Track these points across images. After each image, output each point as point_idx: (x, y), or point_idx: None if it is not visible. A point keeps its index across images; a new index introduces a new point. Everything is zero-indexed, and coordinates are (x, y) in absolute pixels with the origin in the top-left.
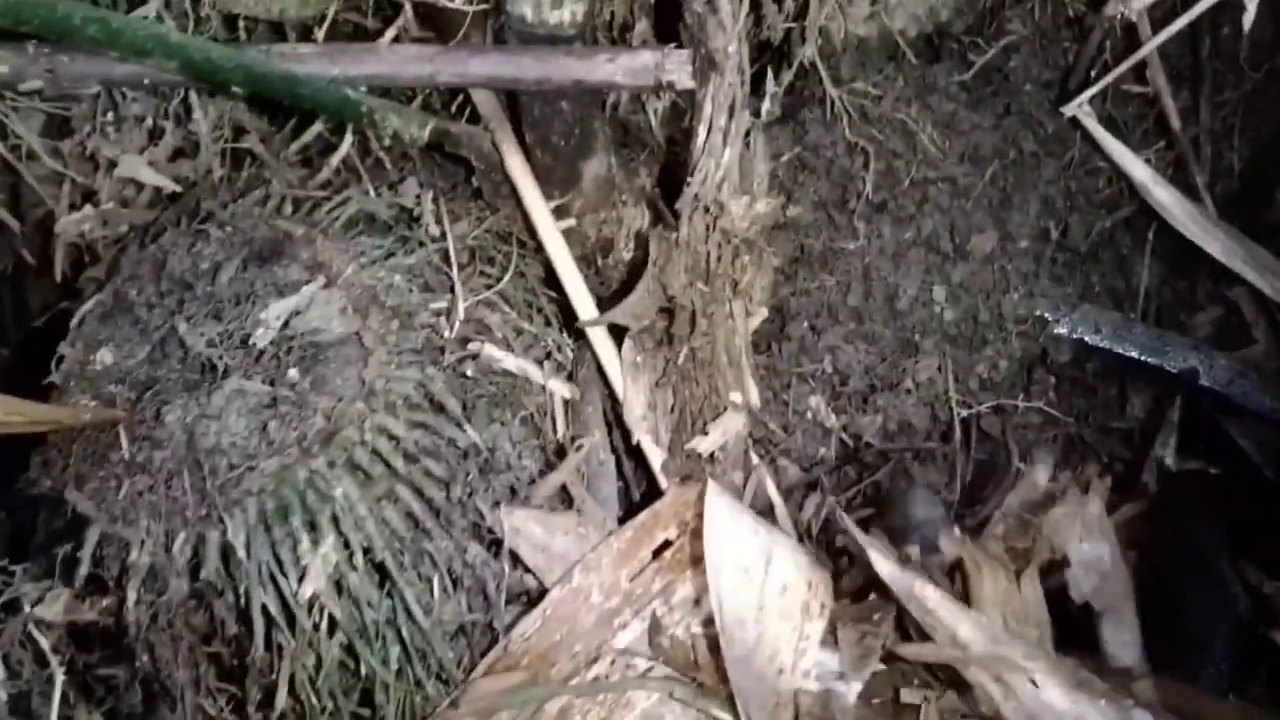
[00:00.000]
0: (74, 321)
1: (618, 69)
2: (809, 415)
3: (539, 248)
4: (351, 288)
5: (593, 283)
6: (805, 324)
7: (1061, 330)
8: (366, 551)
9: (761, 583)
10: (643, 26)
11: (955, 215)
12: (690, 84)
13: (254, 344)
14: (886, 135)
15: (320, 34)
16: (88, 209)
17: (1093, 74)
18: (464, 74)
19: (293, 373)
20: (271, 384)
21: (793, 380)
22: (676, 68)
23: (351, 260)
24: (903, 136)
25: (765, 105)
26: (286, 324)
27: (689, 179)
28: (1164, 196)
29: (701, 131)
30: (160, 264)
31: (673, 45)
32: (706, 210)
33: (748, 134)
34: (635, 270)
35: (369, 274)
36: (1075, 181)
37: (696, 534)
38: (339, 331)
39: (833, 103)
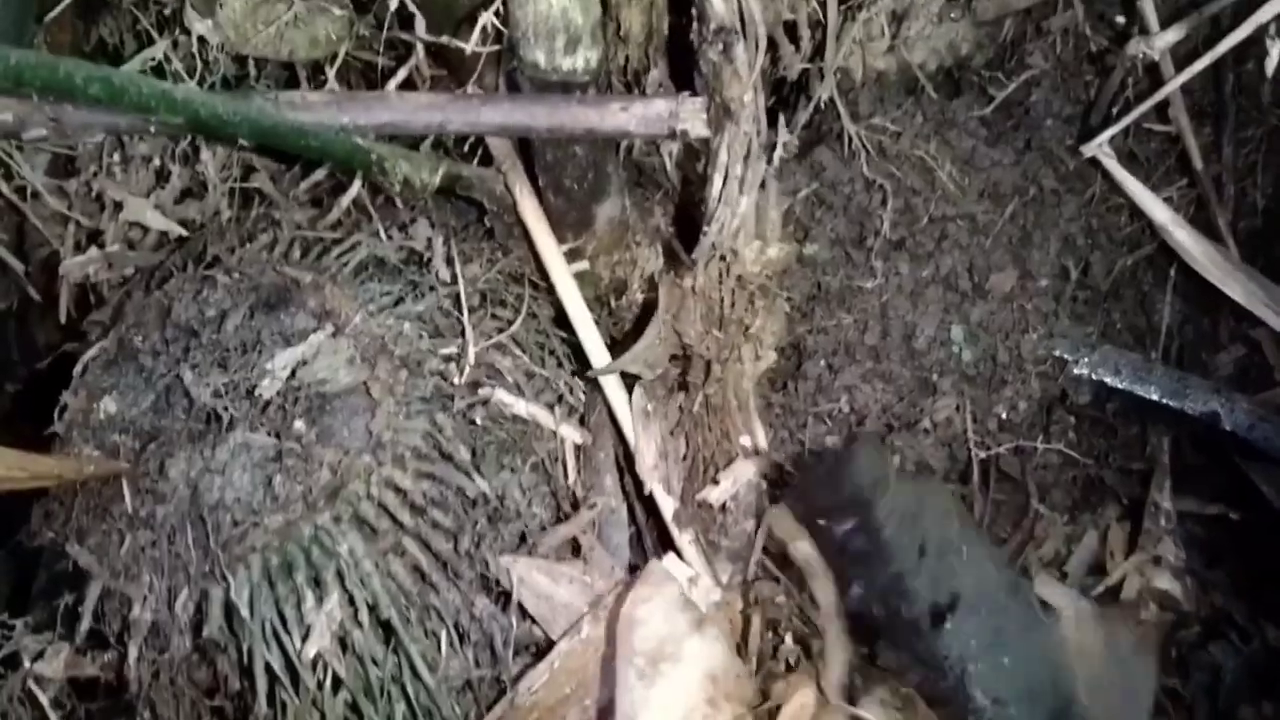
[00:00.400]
0: (77, 369)
1: (631, 118)
2: None
3: (551, 288)
4: (359, 336)
5: (606, 324)
6: (822, 362)
7: (1081, 371)
8: (372, 608)
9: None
10: (656, 74)
11: (974, 253)
12: (705, 132)
13: (260, 395)
14: (905, 172)
15: (331, 73)
16: (93, 251)
17: (1114, 110)
18: (475, 123)
19: (299, 424)
20: (277, 436)
21: (809, 420)
22: (691, 116)
23: (360, 308)
24: (921, 173)
25: (778, 151)
26: (293, 374)
27: (704, 228)
28: (1185, 238)
29: (717, 180)
30: (165, 311)
31: (687, 93)
32: (721, 258)
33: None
34: (648, 311)
35: (377, 322)
36: (1096, 218)
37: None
38: (346, 382)
39: (850, 139)
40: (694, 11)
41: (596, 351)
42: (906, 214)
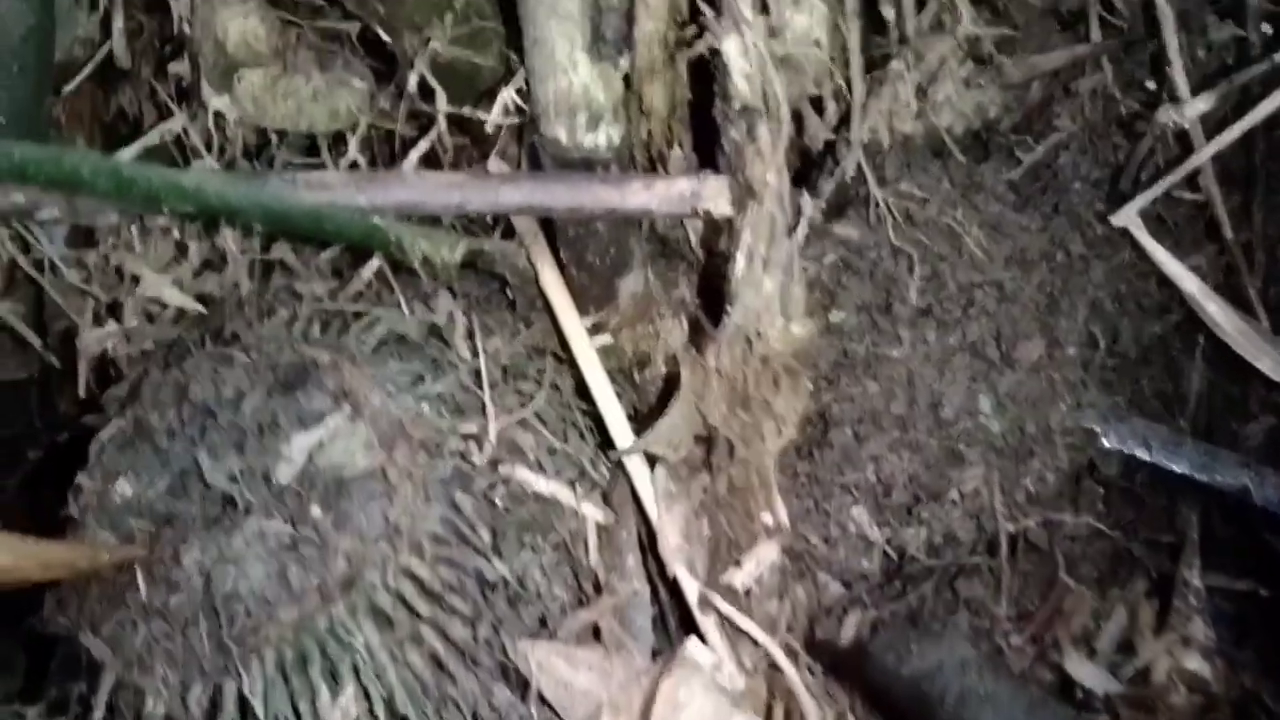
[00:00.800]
0: (93, 448)
1: (654, 197)
2: (851, 527)
3: (574, 360)
4: (378, 419)
5: (629, 397)
6: (848, 431)
7: (1110, 444)
8: (388, 701)
9: None
10: (679, 153)
11: (1002, 321)
12: (729, 211)
13: (276, 480)
14: (932, 238)
15: (353, 144)
16: (111, 325)
17: (1143, 175)
18: (496, 203)
19: (315, 510)
20: (293, 523)
21: (835, 490)
22: (714, 195)
23: (379, 388)
24: (949, 239)
25: (802, 228)
26: (310, 458)
27: (727, 308)
28: (1215, 311)
29: (740, 260)
30: (182, 390)
31: (710, 171)
32: (746, 338)
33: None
34: (672, 384)
35: (396, 403)
36: (1124, 285)
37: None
38: (363, 466)
39: (877, 204)
40: (717, 89)
41: (620, 430)
42: (933, 281)
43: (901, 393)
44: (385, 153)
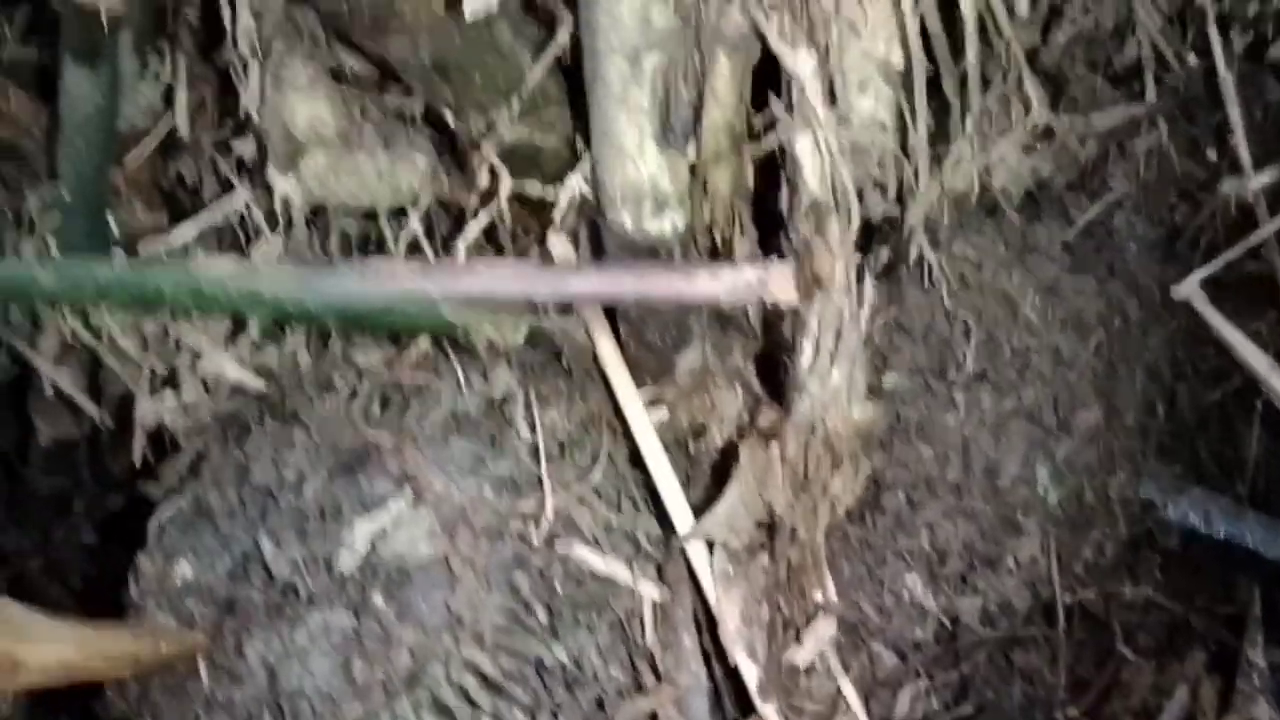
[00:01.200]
0: (152, 527)
1: (721, 287)
2: (905, 595)
3: (628, 431)
4: (440, 505)
5: (683, 466)
6: (901, 496)
7: (1170, 515)
8: None
9: None
10: (743, 239)
11: (1058, 387)
12: (795, 300)
13: (338, 569)
14: (986, 302)
15: (414, 219)
16: (169, 399)
17: (1202, 241)
18: (564, 293)
19: (377, 600)
20: (356, 614)
21: (888, 556)
22: (781, 284)
23: (440, 471)
24: (1003, 303)
25: (865, 311)
26: (373, 546)
27: (794, 398)
28: (1275, 379)
29: (807, 351)
30: (244, 470)
31: (775, 258)
32: (811, 427)
33: None
34: (728, 457)
35: (458, 487)
36: (1182, 350)
37: None
38: (426, 555)
39: (931, 267)
40: (784, 179)
41: (679, 512)
42: (988, 345)
43: (956, 459)
44: (444, 226)
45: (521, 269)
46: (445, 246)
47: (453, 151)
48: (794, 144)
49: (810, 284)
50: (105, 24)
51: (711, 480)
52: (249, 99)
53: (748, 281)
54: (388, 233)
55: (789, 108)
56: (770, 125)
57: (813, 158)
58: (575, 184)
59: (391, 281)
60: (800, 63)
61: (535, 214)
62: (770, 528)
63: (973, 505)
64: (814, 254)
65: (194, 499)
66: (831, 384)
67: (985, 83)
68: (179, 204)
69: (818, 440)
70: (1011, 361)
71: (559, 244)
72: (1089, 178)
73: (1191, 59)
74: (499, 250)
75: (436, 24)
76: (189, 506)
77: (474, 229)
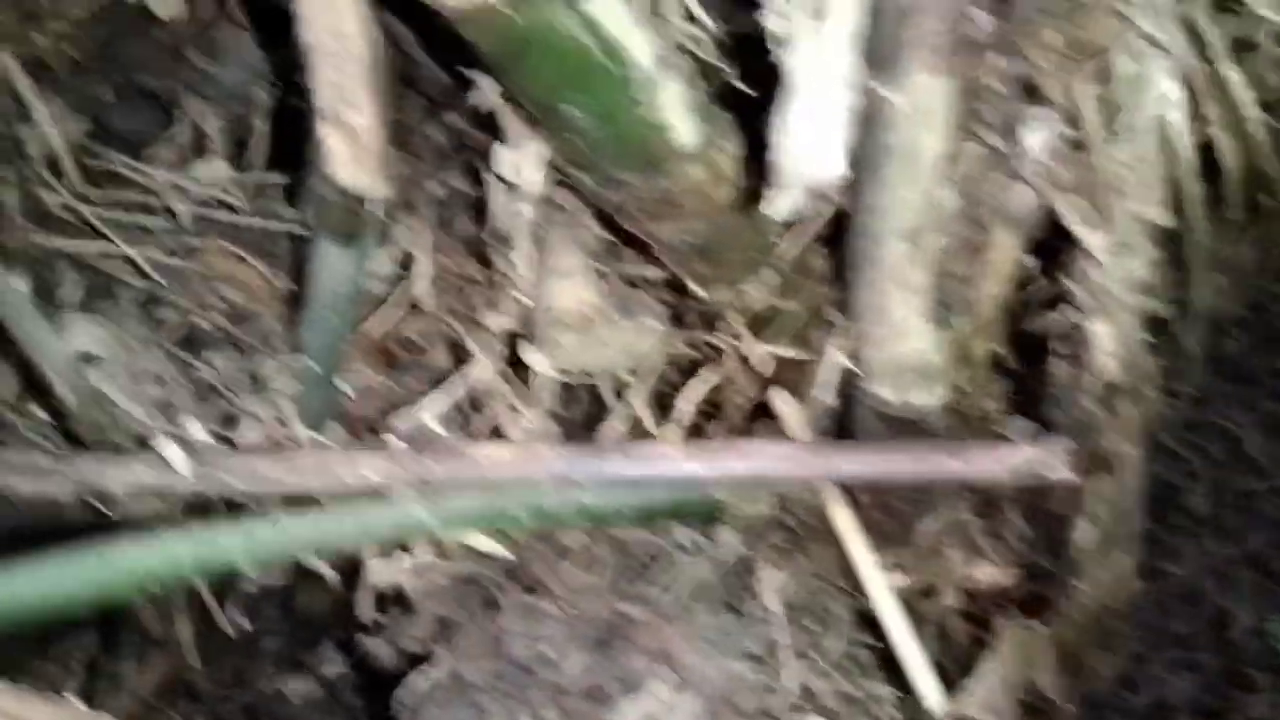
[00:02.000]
0: (404, 698)
1: (999, 466)
2: None
3: (860, 591)
4: (702, 686)
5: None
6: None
7: None
8: None
9: None
10: (1017, 422)
11: None
12: (1074, 480)
13: None
14: (1209, 441)
15: (644, 390)
16: (405, 560)
17: None
18: (834, 473)
19: None
20: None
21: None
22: (1061, 464)
23: (694, 648)
24: (1225, 442)
25: None
26: None
27: (1070, 577)
28: None
29: (1087, 532)
30: (497, 644)
31: (1051, 436)
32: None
33: None
34: (956, 616)
35: (714, 666)
36: None
37: None
38: None
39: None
40: (1068, 355)
41: (928, 688)
42: (1212, 487)
43: (1181, 609)
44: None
45: (791, 450)
46: (660, 405)
47: (679, 314)
48: (1091, 324)
49: (1092, 465)
50: (371, 207)
51: (963, 659)
52: (509, 277)
53: (1027, 460)
54: (609, 397)
55: (1090, 293)
56: (1054, 303)
57: (1112, 340)
58: (833, 354)
59: (653, 462)
60: (1097, 242)
61: (781, 367)
62: (1030, 706)
63: (1199, 658)
64: (1101, 432)
65: (450, 672)
66: (1115, 567)
67: None
68: (398, 364)
69: (1091, 619)
70: (1236, 504)
71: (784, 403)
72: None
73: None
74: (715, 409)
75: (715, 212)
76: (446, 680)
77: (700, 389)
